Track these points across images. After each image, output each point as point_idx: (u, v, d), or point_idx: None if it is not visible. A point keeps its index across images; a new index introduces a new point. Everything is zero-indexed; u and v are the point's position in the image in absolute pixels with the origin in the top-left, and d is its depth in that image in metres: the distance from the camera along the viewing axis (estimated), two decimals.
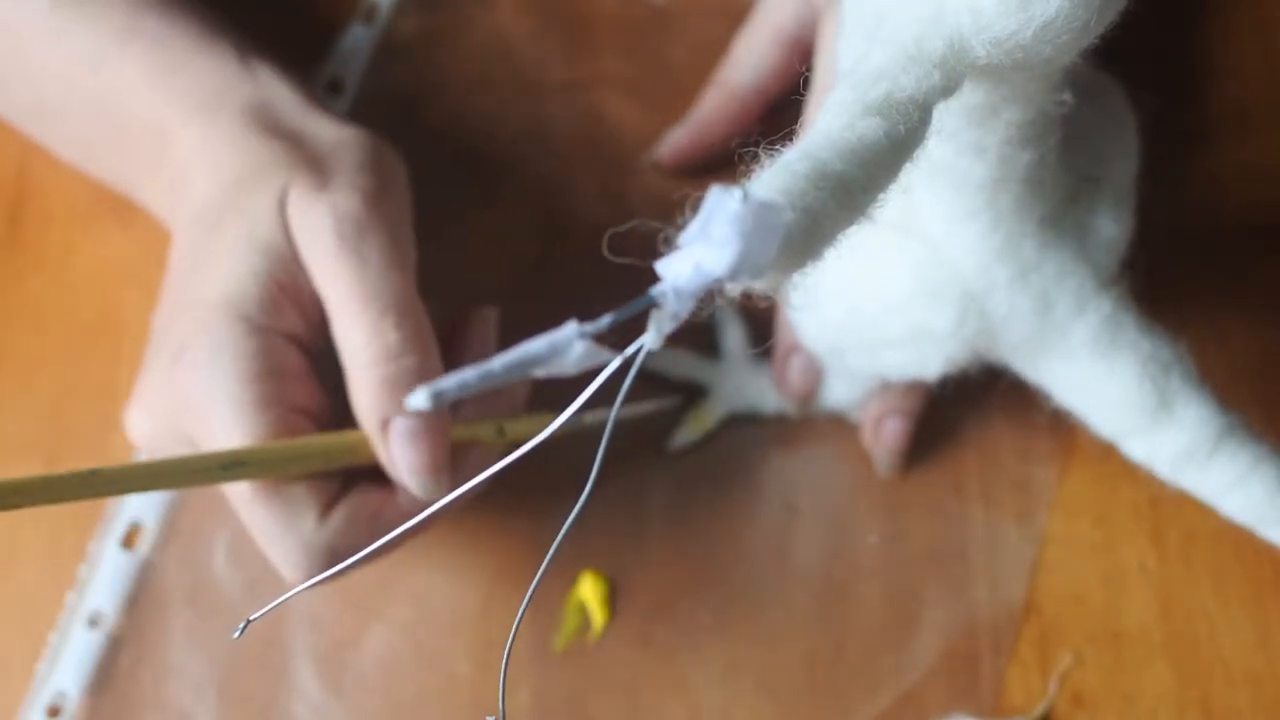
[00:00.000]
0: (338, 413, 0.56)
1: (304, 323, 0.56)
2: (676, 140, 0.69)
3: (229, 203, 0.57)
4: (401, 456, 0.54)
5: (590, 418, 0.59)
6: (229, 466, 0.52)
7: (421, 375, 0.54)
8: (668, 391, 0.66)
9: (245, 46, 0.61)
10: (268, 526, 0.54)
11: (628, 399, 0.34)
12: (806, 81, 0.59)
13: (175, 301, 0.57)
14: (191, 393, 0.54)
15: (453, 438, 0.56)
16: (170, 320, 0.57)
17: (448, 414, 0.55)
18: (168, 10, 0.61)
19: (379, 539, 0.54)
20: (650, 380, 0.66)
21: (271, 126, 0.59)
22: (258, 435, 0.53)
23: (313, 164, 0.57)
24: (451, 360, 0.57)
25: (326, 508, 0.54)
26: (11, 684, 0.61)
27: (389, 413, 0.54)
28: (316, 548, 0.54)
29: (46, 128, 0.65)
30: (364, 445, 0.55)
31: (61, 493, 0.49)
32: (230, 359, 0.54)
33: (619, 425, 0.62)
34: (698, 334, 0.67)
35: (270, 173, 0.57)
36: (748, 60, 0.68)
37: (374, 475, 0.56)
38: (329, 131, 0.59)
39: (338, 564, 0.54)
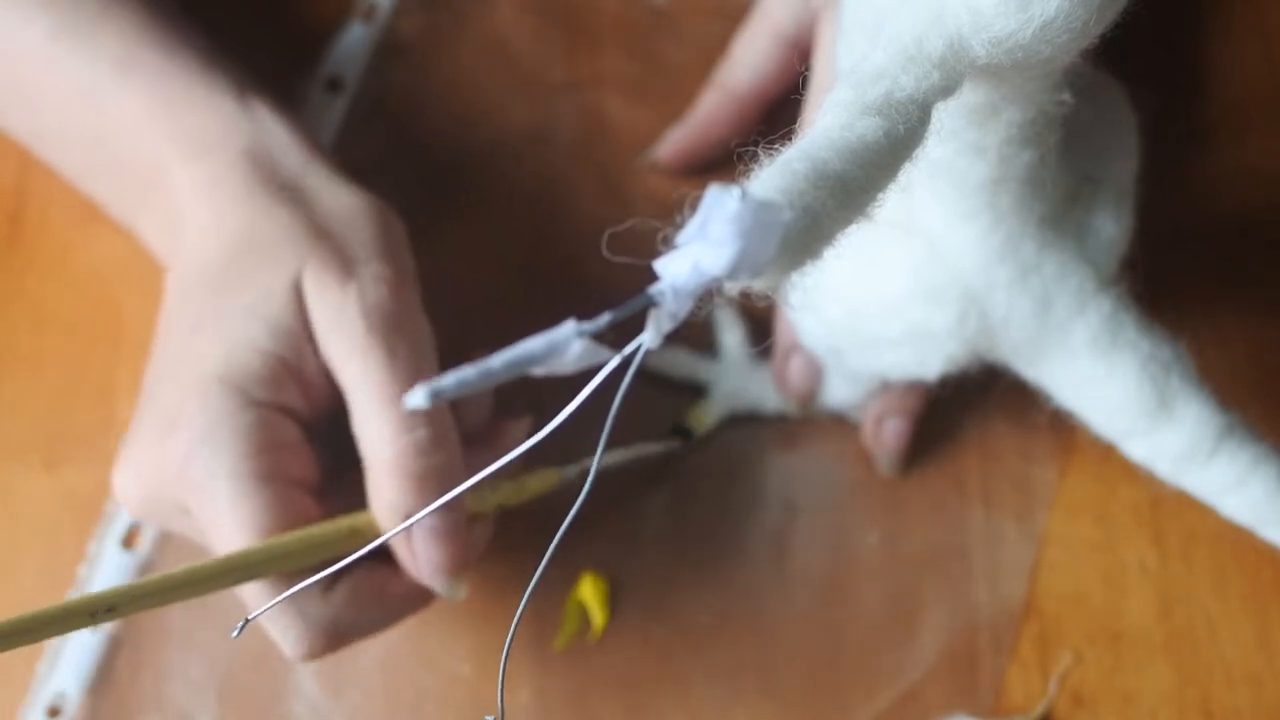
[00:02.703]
0: (332, 483, 0.57)
1: (304, 400, 0.55)
2: (676, 140, 0.69)
3: (235, 271, 0.56)
4: (425, 554, 0.54)
5: (572, 468, 0.60)
6: (241, 568, 0.52)
7: (447, 473, 0.54)
8: (669, 392, 0.66)
9: (244, 83, 0.61)
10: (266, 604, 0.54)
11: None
12: (805, 81, 0.59)
13: (170, 364, 0.56)
14: (187, 466, 0.53)
15: (474, 507, 0.56)
16: (164, 383, 0.56)
17: (463, 515, 0.55)
18: (166, 42, 0.61)
19: (383, 613, 0.55)
20: (650, 382, 0.66)
21: (272, 178, 0.58)
22: (257, 510, 0.53)
23: (327, 241, 0.56)
24: (475, 459, 0.57)
25: (329, 583, 0.54)
26: (11, 684, 0.61)
27: (413, 509, 0.53)
28: (320, 624, 0.54)
29: (45, 152, 0.65)
30: (370, 529, 0.55)
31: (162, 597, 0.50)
32: (229, 433, 0.53)
33: (612, 467, 0.62)
34: (697, 334, 0.67)
35: (281, 245, 0.56)
36: (747, 60, 0.68)
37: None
38: (335, 196, 0.58)
39: (341, 639, 0.54)
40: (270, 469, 0.53)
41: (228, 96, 0.60)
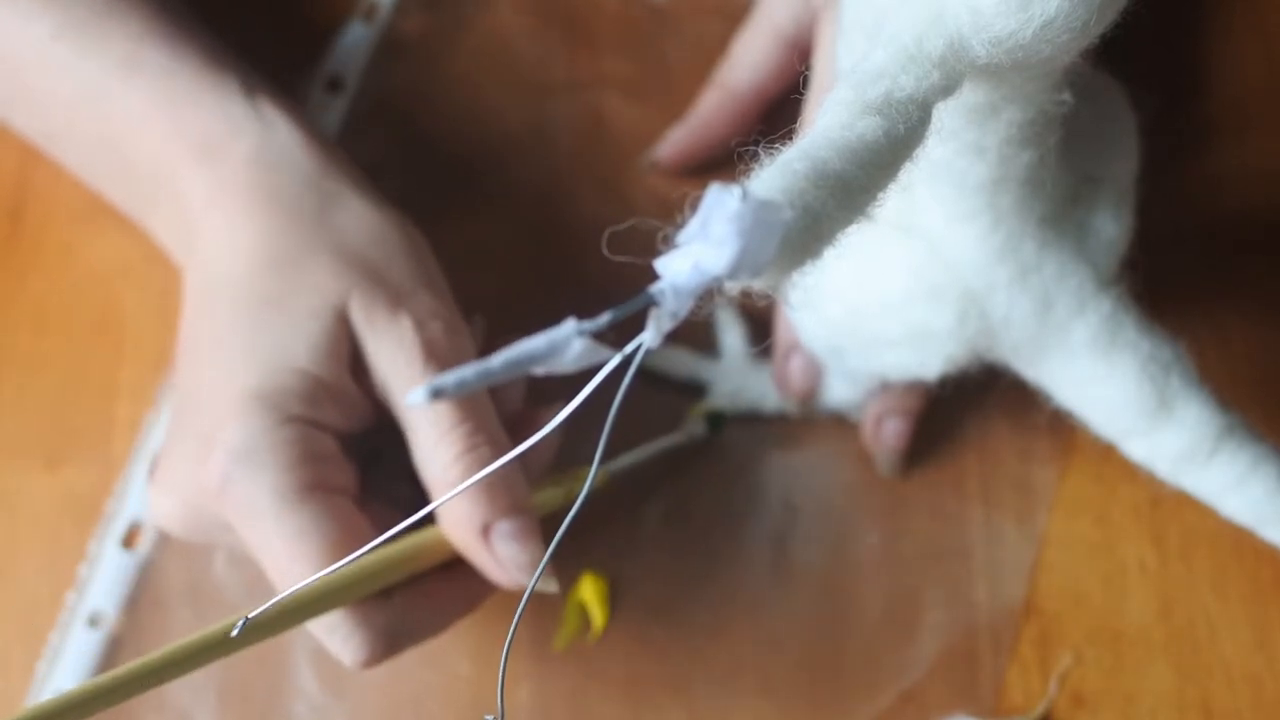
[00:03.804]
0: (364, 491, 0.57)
1: (340, 417, 0.56)
2: (676, 140, 0.69)
3: (265, 289, 0.56)
4: (510, 557, 0.55)
5: (617, 464, 0.61)
6: (314, 602, 0.52)
7: (514, 484, 0.55)
8: (670, 392, 0.66)
9: (252, 82, 0.61)
10: (331, 615, 0.54)
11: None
12: (805, 81, 0.59)
13: (202, 383, 0.56)
14: (228, 485, 0.53)
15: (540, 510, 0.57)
16: (196, 401, 0.56)
17: (536, 516, 0.56)
18: (171, 41, 0.60)
19: (438, 616, 0.56)
20: (650, 381, 0.66)
21: (284, 185, 0.58)
22: (304, 522, 0.53)
23: (367, 267, 0.57)
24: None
25: (388, 591, 0.55)
26: (11, 684, 0.61)
27: (489, 519, 0.55)
28: (382, 630, 0.54)
29: (57, 153, 0.65)
30: (437, 548, 0.56)
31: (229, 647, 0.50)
32: (267, 449, 0.53)
33: (651, 460, 0.62)
34: (698, 333, 0.67)
35: (316, 267, 0.56)
36: (747, 60, 0.68)
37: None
38: (359, 212, 0.58)
39: (398, 645, 0.55)
40: (312, 480, 0.54)
41: (236, 96, 0.60)
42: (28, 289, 0.68)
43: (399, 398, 0.56)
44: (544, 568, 0.39)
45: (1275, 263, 0.69)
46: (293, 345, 0.55)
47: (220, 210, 0.58)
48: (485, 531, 0.55)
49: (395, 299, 0.56)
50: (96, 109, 0.60)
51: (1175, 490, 0.57)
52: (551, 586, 0.57)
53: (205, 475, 0.54)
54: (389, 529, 0.53)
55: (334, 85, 0.71)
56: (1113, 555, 0.64)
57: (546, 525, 0.57)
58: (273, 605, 0.39)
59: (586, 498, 0.34)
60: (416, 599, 0.55)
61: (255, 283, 0.56)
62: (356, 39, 0.72)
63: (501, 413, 0.58)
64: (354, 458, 0.57)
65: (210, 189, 0.58)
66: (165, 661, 0.49)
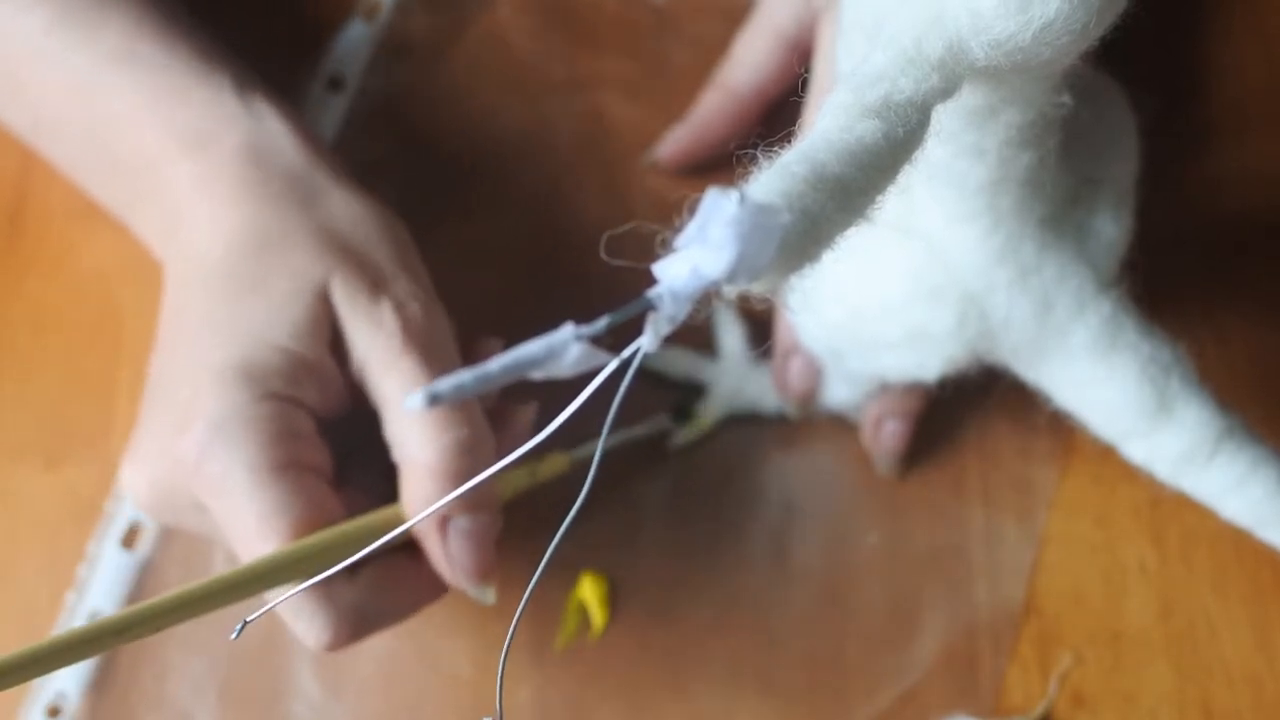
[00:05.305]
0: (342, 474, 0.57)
1: (320, 397, 0.56)
2: (676, 140, 0.69)
3: (249, 270, 0.56)
4: (460, 556, 0.54)
5: (580, 451, 0.60)
6: (271, 571, 0.51)
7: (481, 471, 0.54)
8: (666, 391, 0.66)
9: (245, 78, 0.61)
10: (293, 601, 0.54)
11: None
12: (805, 83, 0.59)
13: (181, 360, 0.56)
14: (203, 460, 0.53)
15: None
16: (171, 380, 0.56)
17: (498, 519, 0.56)
18: (165, 35, 0.60)
19: (404, 600, 0.55)
20: (649, 381, 0.66)
21: (273, 175, 0.58)
22: (278, 499, 0.53)
23: (349, 251, 0.57)
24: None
25: (354, 570, 0.54)
26: None
27: (450, 510, 0.54)
28: (347, 610, 0.54)
29: (43, 146, 0.65)
30: (393, 524, 0.55)
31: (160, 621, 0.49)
32: (244, 423, 0.53)
33: (614, 447, 0.62)
34: (697, 334, 0.67)
35: (300, 249, 0.56)
36: (747, 61, 0.68)
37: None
38: (345, 201, 0.59)
39: (364, 628, 0.54)
40: (287, 457, 0.53)
41: (227, 91, 0.60)
42: (27, 288, 0.68)
43: (377, 378, 0.55)
44: (543, 570, 0.39)
45: (1275, 263, 0.69)
46: (275, 324, 0.55)
47: (205, 199, 0.58)
48: (443, 522, 0.54)
49: (376, 282, 0.56)
50: (87, 102, 0.60)
51: (1175, 491, 0.57)
52: (489, 598, 0.56)
53: (181, 448, 0.54)
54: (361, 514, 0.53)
55: (334, 84, 0.71)
56: (1113, 555, 0.64)
57: (510, 511, 0.57)
58: (272, 608, 0.39)
59: (585, 501, 0.34)
60: (383, 581, 0.55)
61: (237, 266, 0.56)
62: (357, 38, 0.72)
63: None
64: (330, 443, 0.57)
65: (196, 179, 0.58)
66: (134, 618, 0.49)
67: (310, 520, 0.53)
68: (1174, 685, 0.62)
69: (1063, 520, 0.65)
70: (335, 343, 0.56)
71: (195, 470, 0.53)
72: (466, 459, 0.54)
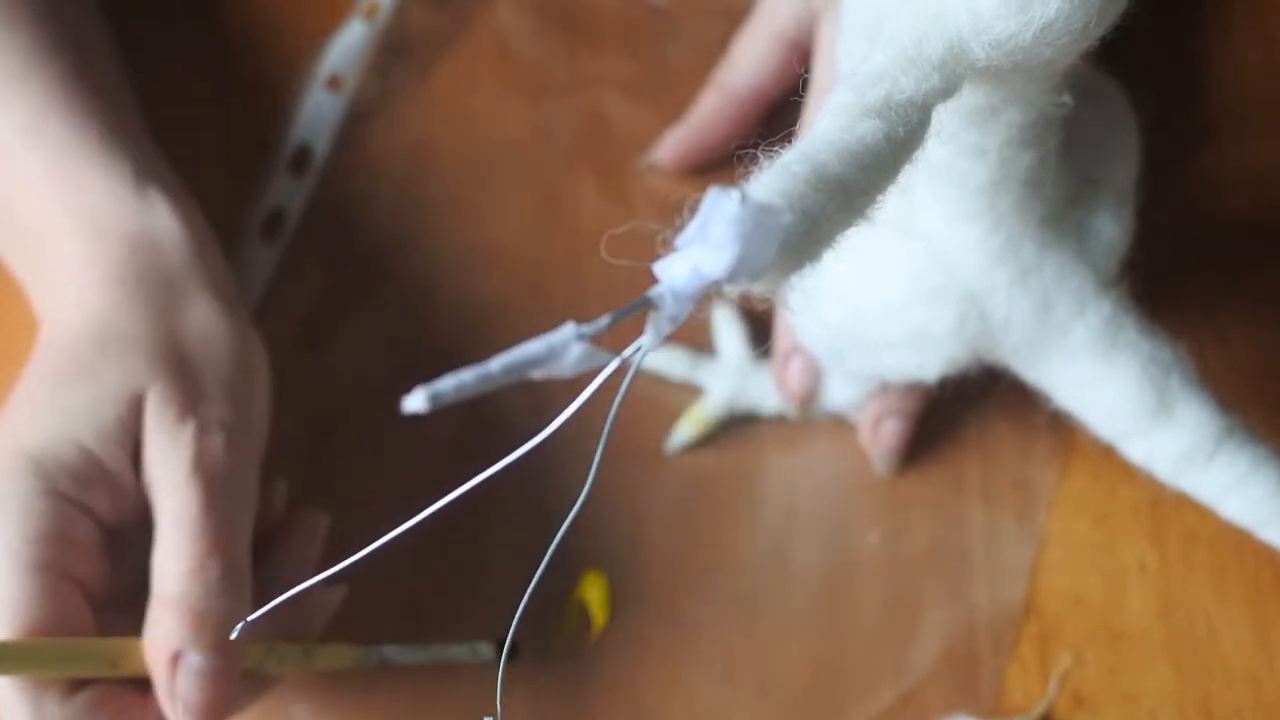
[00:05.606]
0: (122, 596, 0.55)
1: (110, 506, 0.55)
2: (675, 142, 0.69)
3: (78, 361, 0.56)
4: (186, 694, 0.52)
5: (369, 653, 0.58)
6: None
7: (229, 620, 0.52)
8: (669, 392, 0.66)
9: (145, 168, 0.61)
10: (9, 692, 0.52)
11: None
12: (805, 83, 0.59)
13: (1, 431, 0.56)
14: None
15: (254, 662, 0.55)
16: None
17: (236, 664, 0.54)
18: (73, 115, 0.61)
19: None
20: (651, 384, 0.66)
21: (146, 272, 0.58)
22: (21, 595, 0.52)
23: (181, 365, 0.56)
24: (264, 565, 0.56)
25: (74, 687, 0.53)
26: None
27: (184, 647, 0.52)
28: None
29: None
30: (131, 657, 0.53)
31: None
32: (18, 509, 0.52)
33: (426, 663, 0.59)
34: (697, 334, 0.67)
35: (133, 352, 0.56)
36: (747, 61, 0.68)
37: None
38: (206, 315, 0.58)
39: None
40: (50, 559, 0.52)
41: (124, 180, 0.60)
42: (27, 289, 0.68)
43: (158, 498, 0.55)
44: (543, 570, 0.38)
45: (1275, 263, 0.69)
46: (84, 420, 0.54)
47: (79, 280, 0.58)
48: (175, 658, 0.52)
49: (190, 403, 0.55)
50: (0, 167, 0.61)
51: (1175, 491, 0.57)
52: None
53: None
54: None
55: (333, 83, 0.71)
56: (1113, 555, 0.64)
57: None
58: (271, 609, 0.39)
59: (582, 504, 0.34)
60: (101, 707, 0.53)
61: (79, 352, 0.56)
62: (357, 38, 0.72)
63: (264, 516, 0.57)
64: (124, 568, 0.55)
65: (79, 261, 0.58)
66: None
67: (49, 629, 0.52)
68: (1174, 685, 0.62)
69: (1063, 520, 0.65)
70: (139, 454, 0.55)
71: None
72: (209, 601, 0.53)
